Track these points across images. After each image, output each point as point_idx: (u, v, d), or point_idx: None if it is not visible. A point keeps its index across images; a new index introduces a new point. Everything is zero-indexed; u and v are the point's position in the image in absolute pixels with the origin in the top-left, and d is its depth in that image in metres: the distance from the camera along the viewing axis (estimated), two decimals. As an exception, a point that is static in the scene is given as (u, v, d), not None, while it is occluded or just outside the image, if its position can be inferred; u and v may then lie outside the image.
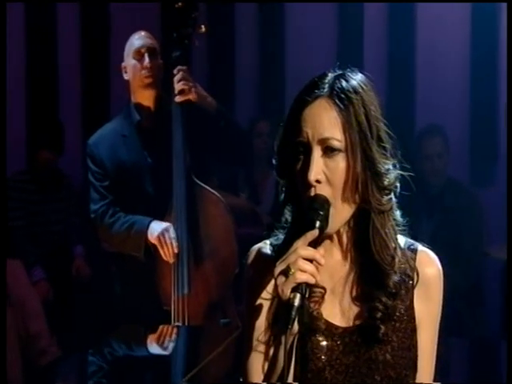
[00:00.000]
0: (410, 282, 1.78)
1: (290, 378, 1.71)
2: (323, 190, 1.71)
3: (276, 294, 1.68)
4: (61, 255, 5.42)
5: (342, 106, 1.71)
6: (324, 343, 1.75)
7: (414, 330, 1.78)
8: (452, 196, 5.07)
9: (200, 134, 3.84)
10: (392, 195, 1.77)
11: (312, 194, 1.70)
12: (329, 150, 1.71)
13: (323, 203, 1.70)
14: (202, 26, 3.87)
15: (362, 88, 1.75)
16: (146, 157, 3.93)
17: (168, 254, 3.75)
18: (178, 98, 3.80)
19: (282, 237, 1.79)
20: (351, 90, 1.73)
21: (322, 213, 1.69)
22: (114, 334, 3.81)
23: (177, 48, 3.83)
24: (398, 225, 1.79)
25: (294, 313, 1.61)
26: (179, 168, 3.77)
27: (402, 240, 1.81)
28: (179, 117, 3.79)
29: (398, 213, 1.80)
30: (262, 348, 1.74)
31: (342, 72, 1.77)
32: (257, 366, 1.75)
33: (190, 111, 3.83)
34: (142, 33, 4.02)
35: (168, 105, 3.88)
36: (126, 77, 3.99)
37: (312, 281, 1.64)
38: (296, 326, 1.65)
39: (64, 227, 5.43)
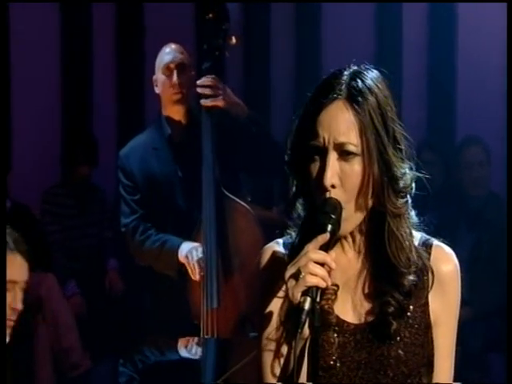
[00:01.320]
0: (425, 279, 1.77)
1: (304, 372, 1.71)
2: (338, 193, 1.70)
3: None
4: (94, 269, 5.48)
5: (358, 108, 1.71)
6: (335, 340, 1.75)
7: (428, 327, 1.77)
8: (494, 210, 5.03)
9: (231, 146, 3.85)
10: (408, 197, 1.76)
11: (327, 197, 1.70)
12: (345, 154, 1.71)
13: (335, 207, 1.69)
14: (233, 38, 3.91)
15: (378, 87, 1.75)
16: (176, 169, 3.97)
17: (194, 272, 3.79)
18: (206, 102, 3.81)
19: (294, 235, 1.79)
20: (367, 91, 1.72)
21: (333, 216, 1.68)
22: (145, 343, 3.85)
23: (207, 59, 3.87)
24: (413, 224, 1.78)
25: (303, 317, 1.61)
26: (209, 180, 3.80)
27: (417, 236, 1.80)
28: (209, 129, 3.82)
29: (413, 213, 1.79)
30: (274, 346, 1.74)
31: (358, 70, 1.76)
32: (270, 364, 1.75)
33: (221, 122, 3.85)
34: (173, 46, 4.05)
35: (198, 117, 3.91)
36: (156, 90, 4.04)
37: (323, 285, 1.63)
38: (307, 330, 1.65)
39: (98, 241, 5.49)
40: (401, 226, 1.75)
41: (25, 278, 3.03)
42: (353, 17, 5.87)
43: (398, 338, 1.74)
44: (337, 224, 1.69)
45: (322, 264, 1.64)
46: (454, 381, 1.84)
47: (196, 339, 3.80)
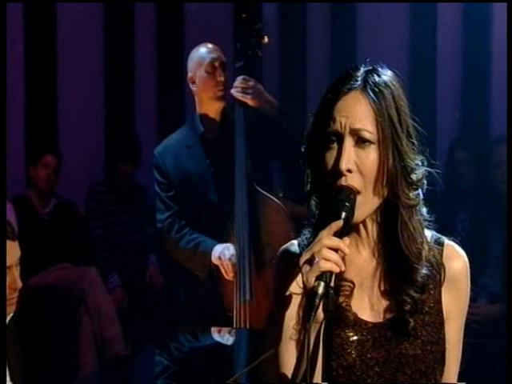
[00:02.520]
0: (438, 277, 1.78)
1: (319, 367, 1.70)
2: (353, 179, 1.70)
3: (304, 291, 1.68)
4: (136, 263, 5.50)
5: (374, 98, 1.72)
6: (354, 338, 1.74)
7: (442, 324, 1.78)
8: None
9: (263, 142, 3.83)
10: (420, 191, 1.77)
11: (342, 182, 1.70)
12: (360, 141, 1.72)
13: (349, 194, 1.70)
14: (266, 37, 3.90)
15: (392, 83, 1.77)
16: (209, 166, 3.95)
17: (227, 270, 3.78)
18: (235, 93, 3.80)
19: (308, 235, 1.79)
20: (383, 84, 1.75)
21: (347, 204, 1.69)
22: (181, 332, 3.84)
23: (240, 58, 3.86)
24: (424, 220, 1.79)
25: (317, 300, 1.61)
26: (241, 177, 3.79)
27: (428, 234, 1.81)
28: (242, 126, 3.81)
29: (424, 209, 1.79)
30: (291, 343, 1.74)
31: (374, 66, 1.78)
32: (287, 357, 1.75)
33: (253, 119, 3.82)
34: (209, 45, 4.03)
35: (231, 115, 3.90)
36: (193, 88, 4.00)
37: (336, 270, 1.63)
38: (321, 314, 1.65)
39: (139, 237, 5.51)
40: (412, 217, 1.76)
41: (17, 256, 2.94)
42: (387, 16, 5.81)
43: (416, 337, 1.74)
44: (350, 211, 1.69)
45: (336, 250, 1.64)
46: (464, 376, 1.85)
47: (229, 329, 3.77)
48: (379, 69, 1.78)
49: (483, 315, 4.75)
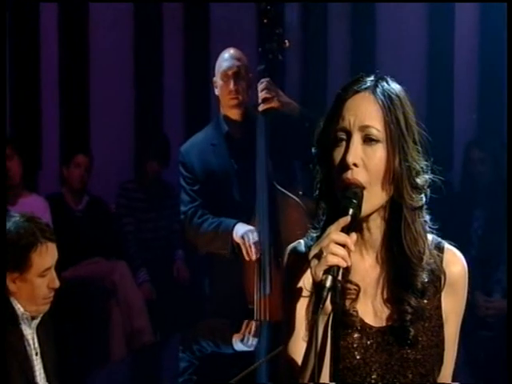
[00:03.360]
0: (438, 283, 1.78)
1: (327, 360, 1.70)
2: (359, 174, 1.70)
3: (313, 284, 1.68)
4: (163, 258, 5.54)
5: (383, 100, 1.73)
6: (359, 341, 1.75)
7: (441, 327, 1.78)
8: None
9: (283, 142, 3.85)
10: (423, 196, 1.77)
11: (349, 176, 1.70)
12: (368, 139, 1.72)
13: (356, 192, 1.70)
14: (286, 42, 3.91)
15: (401, 93, 1.78)
16: (232, 164, 3.97)
17: (250, 253, 3.78)
18: (261, 107, 3.85)
19: (315, 236, 1.79)
20: (392, 90, 1.76)
21: (355, 201, 1.69)
22: (202, 332, 3.85)
23: (262, 62, 3.88)
24: (426, 224, 1.79)
25: (325, 293, 1.62)
26: (262, 175, 3.81)
27: (429, 238, 1.80)
28: (263, 127, 3.83)
29: (427, 218, 1.79)
30: (301, 338, 1.75)
31: (385, 76, 1.80)
32: (298, 353, 1.75)
33: (274, 120, 3.85)
34: (231, 51, 4.04)
35: (254, 116, 3.92)
36: (216, 92, 4.05)
37: (343, 264, 1.64)
38: (329, 306, 1.65)
39: (167, 233, 5.55)
40: (416, 220, 1.76)
41: (56, 258, 2.99)
42: (406, 19, 5.80)
43: (417, 343, 1.75)
44: (358, 208, 1.69)
45: (343, 245, 1.65)
46: (455, 371, 1.84)
47: (251, 327, 3.77)
48: (389, 79, 1.79)
49: (498, 309, 4.75)
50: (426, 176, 1.76)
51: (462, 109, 5.87)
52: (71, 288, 5.04)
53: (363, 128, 1.72)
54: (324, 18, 5.88)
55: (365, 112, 1.73)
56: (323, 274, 1.63)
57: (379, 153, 1.72)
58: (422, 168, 1.75)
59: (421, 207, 1.76)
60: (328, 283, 1.62)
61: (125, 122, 5.96)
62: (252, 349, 3.68)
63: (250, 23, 5.52)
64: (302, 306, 1.74)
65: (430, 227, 1.79)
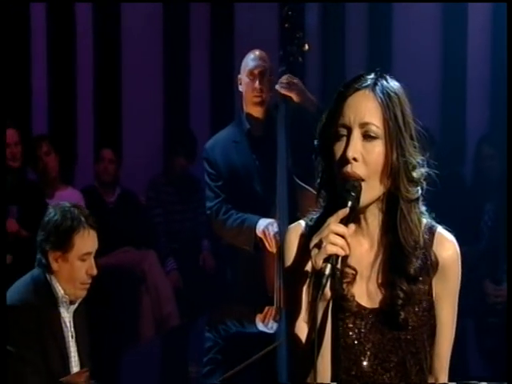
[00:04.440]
0: (429, 265, 1.78)
1: (328, 341, 1.72)
2: (358, 168, 1.72)
3: (313, 271, 1.69)
4: (190, 248, 5.56)
5: (382, 97, 1.74)
6: (353, 322, 1.77)
7: (431, 306, 1.79)
8: None
9: (303, 139, 3.85)
10: (419, 188, 1.77)
11: (348, 169, 1.71)
12: (367, 135, 1.73)
13: (355, 186, 1.71)
14: (306, 45, 3.93)
15: (400, 91, 1.78)
16: (254, 160, 4.00)
17: (270, 244, 3.81)
18: (280, 88, 3.86)
19: (315, 217, 1.81)
20: (391, 88, 1.77)
21: (353, 194, 1.70)
22: (228, 313, 3.89)
23: (283, 64, 3.92)
24: (422, 214, 1.79)
25: (324, 280, 1.64)
26: (282, 170, 3.84)
27: (423, 221, 1.80)
28: (283, 124, 3.86)
29: (423, 208, 1.80)
30: (301, 318, 1.76)
31: (384, 75, 1.80)
32: (299, 330, 1.76)
33: (294, 116, 3.87)
34: (257, 52, 4.08)
35: (275, 114, 3.95)
36: (240, 89, 4.08)
37: (342, 253, 1.66)
38: (328, 293, 1.67)
39: (194, 224, 5.57)
40: (411, 211, 1.77)
41: (96, 247, 3.08)
42: (421, 19, 5.78)
43: (407, 324, 1.76)
44: (356, 201, 1.71)
45: (342, 236, 1.66)
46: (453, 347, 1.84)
47: (271, 312, 3.80)
48: (388, 77, 1.79)
49: (506, 298, 4.75)
50: (422, 170, 1.77)
51: (474, 106, 5.85)
52: (103, 276, 5.10)
53: (363, 125, 1.73)
54: (342, 22, 5.89)
55: (365, 109, 1.73)
56: (323, 262, 1.65)
57: (378, 148, 1.73)
58: (418, 162, 1.75)
59: (417, 199, 1.77)
60: (327, 271, 1.64)
61: (154, 120, 5.99)
62: (272, 331, 3.71)
63: (273, 26, 5.54)
64: (302, 285, 1.74)
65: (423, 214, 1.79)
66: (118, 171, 5.54)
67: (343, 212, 1.69)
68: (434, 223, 1.81)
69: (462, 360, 5.06)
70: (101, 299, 4.94)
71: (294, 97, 3.85)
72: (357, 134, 1.72)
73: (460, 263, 1.81)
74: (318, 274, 1.65)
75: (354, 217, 1.74)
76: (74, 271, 2.98)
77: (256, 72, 3.98)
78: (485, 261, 5.05)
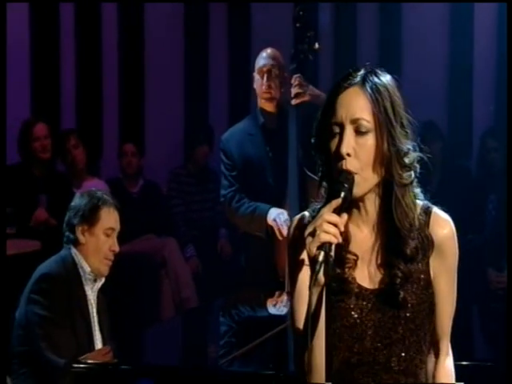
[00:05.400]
0: (426, 245, 1.80)
1: (322, 322, 1.74)
2: (352, 162, 1.73)
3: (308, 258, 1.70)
4: (209, 236, 5.60)
5: (371, 93, 1.75)
6: (355, 303, 1.79)
7: (429, 284, 1.81)
8: None
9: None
10: (412, 172, 1.79)
11: (343, 165, 1.73)
12: (359, 130, 1.74)
13: (348, 177, 1.73)
14: (316, 44, 3.94)
15: (388, 82, 1.79)
16: (267, 152, 4.04)
17: (281, 232, 3.84)
18: (294, 101, 3.90)
19: (317, 207, 1.81)
20: (380, 82, 1.77)
21: (346, 185, 1.72)
22: (240, 299, 3.92)
23: (293, 62, 3.93)
24: (416, 198, 1.80)
25: (317, 266, 1.65)
26: (293, 161, 3.87)
27: (419, 204, 1.82)
28: (294, 119, 3.89)
29: (418, 190, 1.81)
30: (302, 303, 1.77)
31: (373, 69, 1.80)
32: (298, 313, 1.79)
33: (305, 112, 3.89)
34: (268, 51, 4.11)
35: (287, 109, 3.98)
36: (254, 85, 4.11)
37: (334, 241, 1.67)
38: (322, 278, 1.69)
39: (212, 214, 5.60)
40: (406, 195, 1.78)
41: (118, 228, 3.21)
42: (429, 16, 5.77)
43: (406, 302, 1.78)
44: (348, 192, 1.72)
45: (335, 224, 1.68)
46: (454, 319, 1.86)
47: (282, 296, 3.83)
48: (378, 71, 1.79)
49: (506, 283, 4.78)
50: (415, 154, 1.78)
51: (480, 101, 5.85)
52: (127, 262, 5.17)
53: (354, 121, 1.74)
54: (354, 21, 5.90)
55: (355, 106, 1.74)
56: (317, 249, 1.66)
57: (370, 141, 1.74)
58: (409, 149, 1.76)
59: (410, 183, 1.78)
60: (321, 258, 1.65)
61: (175, 117, 6.02)
62: (283, 313, 3.73)
63: (287, 26, 5.57)
64: (304, 273, 1.75)
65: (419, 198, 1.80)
66: (141, 164, 5.60)
67: (336, 202, 1.70)
68: (429, 204, 1.83)
69: (467, 342, 5.09)
70: (124, 283, 5.03)
71: (306, 98, 3.88)
72: (349, 131, 1.74)
73: (456, 240, 1.83)
74: (312, 260, 1.67)
75: (352, 205, 1.76)
76: (99, 244, 3.12)
77: (264, 70, 4.02)
78: (488, 248, 5.07)
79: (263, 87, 4.01)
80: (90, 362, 2.77)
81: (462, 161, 5.73)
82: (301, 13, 3.95)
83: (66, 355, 2.96)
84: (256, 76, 4.07)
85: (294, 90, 3.90)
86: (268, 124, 4.07)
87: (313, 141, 1.83)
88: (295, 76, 3.91)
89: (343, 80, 1.78)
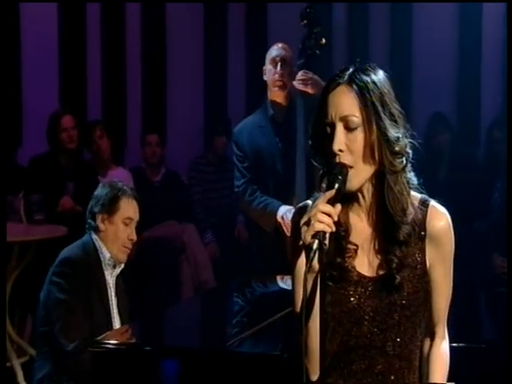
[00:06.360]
0: (422, 233, 1.81)
1: (317, 305, 1.76)
2: (345, 157, 1.75)
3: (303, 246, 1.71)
4: (227, 222, 5.64)
5: (357, 90, 1.76)
6: (354, 289, 1.81)
7: (425, 273, 1.83)
8: None
9: None
10: (403, 159, 1.79)
11: (337, 160, 1.75)
12: (349, 126, 1.76)
13: (342, 170, 1.75)
14: (323, 39, 3.94)
15: (377, 76, 1.80)
16: (277, 143, 4.04)
17: (288, 229, 3.83)
18: (297, 85, 3.90)
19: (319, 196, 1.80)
20: (367, 79, 1.77)
21: (340, 177, 1.73)
22: (254, 278, 3.94)
23: (301, 57, 3.95)
24: (411, 183, 1.82)
25: (311, 254, 1.67)
26: (301, 153, 3.87)
27: (417, 196, 1.83)
28: (302, 111, 3.89)
29: (411, 174, 1.82)
30: (300, 285, 1.77)
31: (361, 66, 1.81)
32: (297, 296, 1.81)
33: (312, 104, 3.90)
34: (280, 44, 4.12)
35: (296, 102, 3.98)
36: (265, 78, 4.11)
37: (328, 230, 1.68)
38: (316, 265, 1.70)
39: (230, 201, 5.61)
40: (397, 182, 1.79)
41: (137, 218, 3.24)
42: (440, 12, 5.75)
43: (402, 290, 1.80)
44: (342, 183, 1.74)
45: (329, 214, 1.69)
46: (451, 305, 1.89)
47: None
48: (366, 67, 1.80)
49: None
50: (405, 140, 1.78)
51: (488, 94, 5.82)
52: (149, 246, 5.24)
53: (343, 118, 1.75)
54: (366, 16, 5.88)
55: (344, 104, 1.75)
56: (311, 238, 1.67)
57: (359, 136, 1.75)
58: (398, 137, 1.76)
59: (402, 170, 1.78)
60: (315, 246, 1.66)
61: (195, 109, 6.05)
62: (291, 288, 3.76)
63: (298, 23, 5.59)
64: (304, 258, 1.74)
65: (416, 187, 1.82)
66: (163, 153, 5.65)
67: (330, 193, 1.71)
68: (427, 198, 1.84)
69: (474, 325, 5.09)
70: (146, 266, 5.11)
71: (311, 90, 3.88)
72: (340, 128, 1.75)
73: (452, 232, 1.84)
74: (306, 248, 1.68)
75: (350, 198, 1.78)
76: (118, 232, 3.16)
77: (278, 59, 4.01)
78: (494, 234, 5.06)
79: (276, 75, 3.99)
80: (111, 342, 2.68)
81: (470, 150, 5.72)
82: (308, 10, 3.96)
83: (78, 339, 3.00)
84: (268, 67, 4.05)
85: (298, 76, 3.90)
86: (277, 116, 4.07)
87: (309, 141, 1.83)
88: (301, 71, 3.92)
89: (332, 80, 1.80)
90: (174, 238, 5.32)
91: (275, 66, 4.02)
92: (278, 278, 3.79)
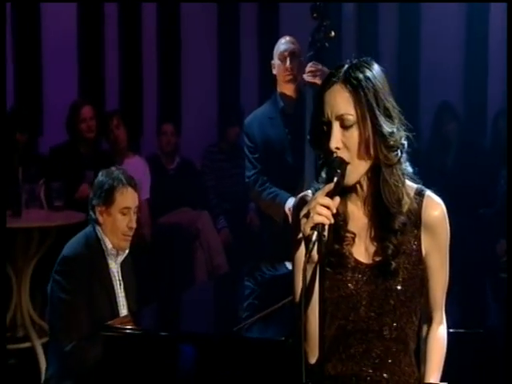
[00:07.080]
0: (418, 222, 1.83)
1: (316, 294, 1.78)
2: (342, 154, 1.77)
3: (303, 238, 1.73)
4: (239, 209, 5.66)
5: (351, 89, 1.76)
6: (351, 276, 1.84)
7: (420, 261, 1.84)
8: None
9: None
10: (398, 152, 1.80)
11: (336, 154, 1.77)
12: (344, 124, 1.77)
13: (340, 164, 1.77)
14: (332, 32, 3.92)
15: (371, 72, 1.79)
16: (286, 134, 4.04)
17: None
18: (306, 76, 3.89)
19: (320, 187, 1.83)
20: (361, 76, 1.77)
21: (338, 171, 1.75)
22: (263, 261, 3.96)
23: (310, 49, 3.94)
24: (407, 175, 1.83)
25: (311, 245, 1.68)
26: (309, 145, 3.88)
27: (413, 186, 1.85)
28: (311, 102, 3.85)
29: (406, 164, 1.83)
30: (300, 274, 1.78)
31: (355, 62, 1.81)
32: (298, 287, 1.83)
33: None
34: (287, 38, 4.11)
35: (305, 94, 3.98)
36: (274, 72, 4.10)
37: (326, 222, 1.69)
38: (315, 256, 1.72)
39: (242, 188, 5.49)
40: (392, 175, 1.81)
41: (135, 204, 3.18)
42: (447, 15, 5.74)
43: (397, 276, 1.81)
44: (341, 177, 1.76)
45: (328, 207, 1.71)
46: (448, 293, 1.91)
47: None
48: (361, 63, 1.79)
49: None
50: (400, 133, 1.78)
51: (495, 83, 5.81)
52: (164, 232, 5.29)
53: (339, 117, 1.76)
54: (375, 9, 5.89)
55: (339, 102, 1.76)
56: (310, 229, 1.68)
57: (355, 133, 1.76)
58: (393, 131, 1.77)
59: (397, 162, 1.79)
60: (314, 237, 1.67)
61: (209, 99, 6.10)
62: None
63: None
64: (303, 248, 1.75)
65: (412, 178, 1.83)
66: (178, 142, 5.67)
67: (329, 187, 1.73)
68: (423, 188, 1.85)
69: (478, 310, 5.10)
70: (161, 251, 5.15)
71: (319, 81, 3.84)
72: (336, 127, 1.76)
73: (447, 221, 1.85)
74: (306, 240, 1.70)
75: (348, 190, 1.80)
76: (116, 223, 3.10)
77: (286, 53, 4.00)
78: (498, 221, 5.07)
79: (286, 70, 3.97)
80: (127, 327, 2.66)
81: (476, 139, 5.72)
82: (317, 3, 3.94)
83: (77, 338, 2.95)
84: (277, 61, 4.04)
85: (307, 68, 3.89)
86: (287, 108, 4.06)
87: (308, 137, 1.86)
88: (311, 63, 3.92)
89: (327, 78, 1.81)
90: (188, 224, 5.33)
91: (284, 61, 4.00)
92: (287, 263, 3.82)
